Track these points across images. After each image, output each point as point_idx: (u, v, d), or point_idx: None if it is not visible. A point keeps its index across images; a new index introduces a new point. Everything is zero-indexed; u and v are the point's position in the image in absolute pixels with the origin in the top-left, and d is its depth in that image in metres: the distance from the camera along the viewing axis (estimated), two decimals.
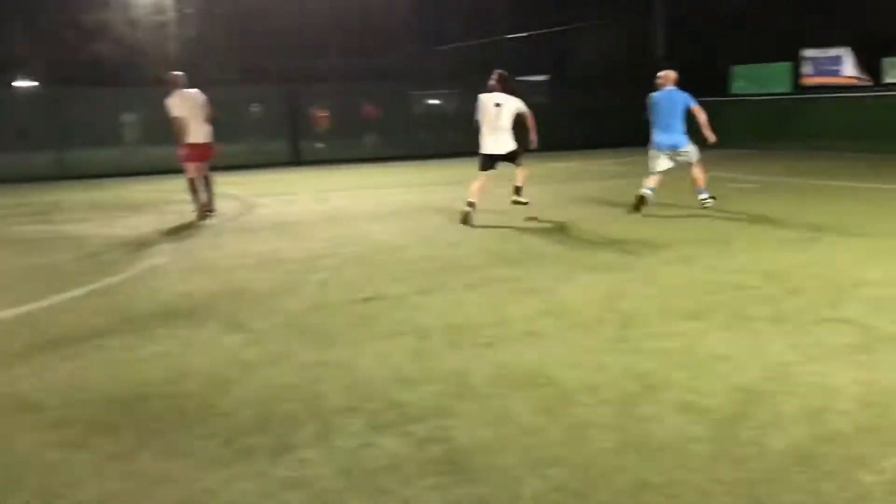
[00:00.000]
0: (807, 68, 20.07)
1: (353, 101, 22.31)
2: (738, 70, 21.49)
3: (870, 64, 18.57)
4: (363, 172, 17.41)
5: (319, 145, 21.00)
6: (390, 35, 32.16)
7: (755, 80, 21.16)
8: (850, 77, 19.05)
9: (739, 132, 21.04)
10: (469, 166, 10.15)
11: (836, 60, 19.42)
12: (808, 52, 19.94)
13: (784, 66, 20.47)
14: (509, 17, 28.09)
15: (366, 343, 4.54)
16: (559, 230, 8.48)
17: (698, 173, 9.39)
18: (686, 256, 6.79)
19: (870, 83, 18.58)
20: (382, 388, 3.79)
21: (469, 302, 5.45)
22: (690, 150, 9.28)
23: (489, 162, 9.14)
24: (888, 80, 18.06)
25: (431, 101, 25.52)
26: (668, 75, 9.33)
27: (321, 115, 21.22)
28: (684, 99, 9.14)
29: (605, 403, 3.55)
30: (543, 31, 26.53)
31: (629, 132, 21.48)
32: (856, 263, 6.29)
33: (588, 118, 22.29)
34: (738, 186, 11.93)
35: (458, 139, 17.09)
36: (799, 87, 20.13)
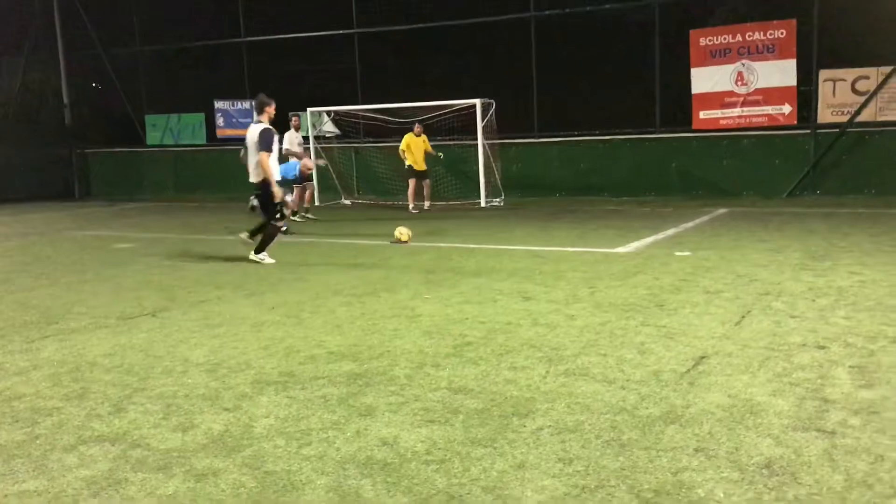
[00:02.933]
0: (219, 120, 20.09)
1: None
2: (151, 119, 20.58)
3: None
4: None
5: None
6: None
7: (169, 130, 20.51)
8: None
9: (159, 183, 20.13)
10: None
11: (247, 113, 19.76)
12: (220, 104, 19.99)
13: (197, 117, 20.20)
14: None
15: None
16: None
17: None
18: None
19: None
20: None
21: None
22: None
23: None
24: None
25: None
26: None
27: None
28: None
29: None
30: None
31: (33, 184, 19.12)
32: (182, 342, 5.50)
33: None
34: (121, 246, 10.75)
35: None
36: (214, 139, 20.05)
